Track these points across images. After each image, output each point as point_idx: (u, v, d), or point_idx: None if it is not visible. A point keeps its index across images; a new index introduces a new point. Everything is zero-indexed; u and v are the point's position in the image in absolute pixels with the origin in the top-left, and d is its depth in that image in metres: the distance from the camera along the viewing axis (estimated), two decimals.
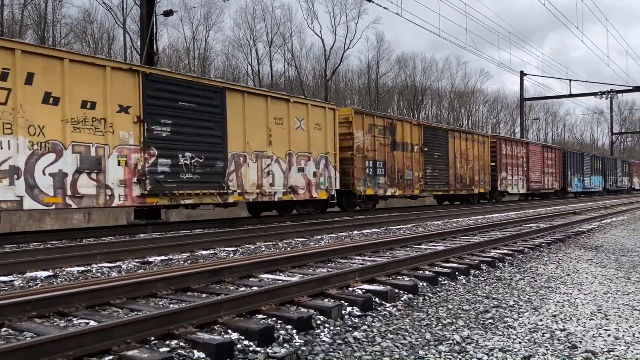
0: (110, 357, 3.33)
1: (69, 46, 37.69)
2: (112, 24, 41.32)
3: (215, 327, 3.98)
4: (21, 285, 6.06)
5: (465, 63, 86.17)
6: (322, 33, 54.47)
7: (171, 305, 4.80)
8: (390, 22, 76.33)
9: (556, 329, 4.41)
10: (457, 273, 6.66)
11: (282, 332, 4.00)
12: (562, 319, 4.74)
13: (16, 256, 7.56)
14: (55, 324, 4.20)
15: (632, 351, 3.88)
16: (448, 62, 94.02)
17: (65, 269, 7.04)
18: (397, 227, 13.91)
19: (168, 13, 22.31)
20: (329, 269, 6.67)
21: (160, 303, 4.95)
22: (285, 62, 51.43)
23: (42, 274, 6.63)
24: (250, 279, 6.11)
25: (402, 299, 5.36)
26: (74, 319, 4.28)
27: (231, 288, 5.62)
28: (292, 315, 4.25)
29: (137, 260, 7.87)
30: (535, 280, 6.58)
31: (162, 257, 8.14)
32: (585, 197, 38.78)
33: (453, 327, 4.46)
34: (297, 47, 54.20)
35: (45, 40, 35.76)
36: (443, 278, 6.40)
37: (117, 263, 7.58)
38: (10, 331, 3.96)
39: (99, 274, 6.81)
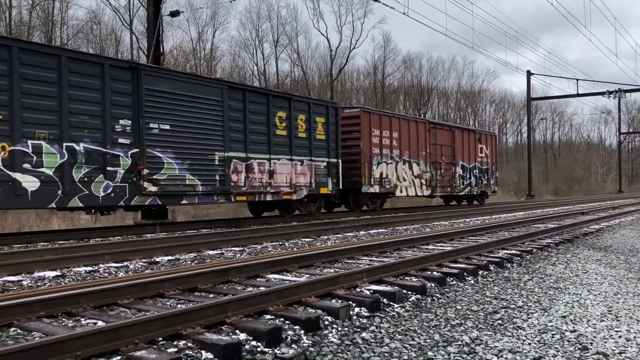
0: (118, 357, 3.32)
1: (75, 47, 37.85)
2: (119, 25, 41.45)
3: (223, 328, 3.97)
4: (29, 285, 6.07)
5: (472, 62, 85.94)
6: (328, 33, 54.28)
7: (179, 306, 4.79)
8: (396, 22, 76.22)
9: (566, 330, 4.38)
10: (465, 273, 6.62)
11: (290, 332, 3.99)
12: (572, 320, 4.70)
13: (24, 256, 7.59)
14: (63, 324, 4.20)
15: None
16: (455, 62, 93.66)
17: (73, 269, 7.05)
18: (404, 227, 13.87)
19: (174, 14, 22.31)
20: (336, 269, 6.65)
21: (168, 303, 4.94)
22: (292, 62, 51.41)
23: (50, 273, 6.65)
24: (258, 279, 6.10)
25: (410, 299, 5.34)
26: (82, 319, 4.28)
27: (238, 288, 5.61)
28: (300, 316, 4.23)
29: (144, 260, 7.88)
30: (544, 281, 6.53)
31: (170, 257, 8.14)
32: None
33: (462, 328, 4.43)
34: (302, 47, 54.12)
35: (53, 41, 35.88)
36: (451, 279, 6.37)
37: (125, 263, 7.59)
38: (19, 331, 3.96)
39: (106, 274, 6.81)
